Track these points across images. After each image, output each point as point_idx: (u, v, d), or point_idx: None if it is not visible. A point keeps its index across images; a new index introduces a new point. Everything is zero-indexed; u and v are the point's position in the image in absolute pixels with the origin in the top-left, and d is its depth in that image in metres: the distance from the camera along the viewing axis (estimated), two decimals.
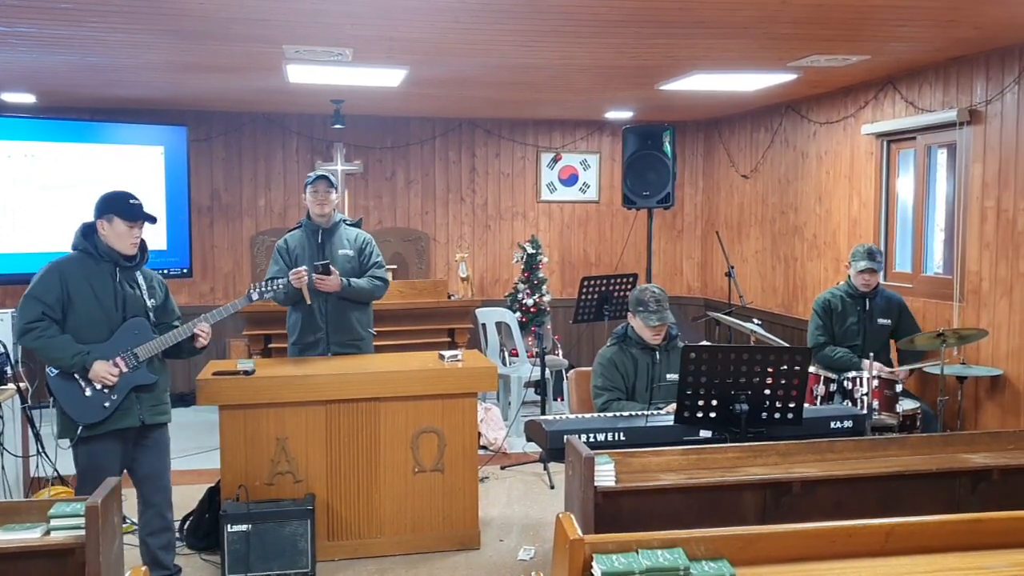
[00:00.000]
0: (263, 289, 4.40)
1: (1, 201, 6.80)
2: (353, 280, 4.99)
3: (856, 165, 6.56)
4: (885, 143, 6.24)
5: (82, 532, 2.83)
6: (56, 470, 4.82)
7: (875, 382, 4.80)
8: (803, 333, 5.74)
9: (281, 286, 4.56)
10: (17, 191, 6.87)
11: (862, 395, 4.84)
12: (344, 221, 5.18)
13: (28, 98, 7.24)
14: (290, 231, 5.22)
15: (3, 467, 4.65)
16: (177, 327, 4.07)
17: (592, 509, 3.38)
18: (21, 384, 4.79)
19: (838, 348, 5.29)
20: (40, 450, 4.85)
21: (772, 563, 2.64)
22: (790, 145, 7.50)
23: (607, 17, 4.25)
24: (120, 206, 3.89)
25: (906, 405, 4.89)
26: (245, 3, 4.04)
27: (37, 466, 5.05)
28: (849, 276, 5.40)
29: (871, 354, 4.74)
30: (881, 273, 5.49)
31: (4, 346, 4.78)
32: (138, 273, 4.03)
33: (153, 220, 4.01)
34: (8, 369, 4.78)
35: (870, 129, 6.22)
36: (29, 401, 4.87)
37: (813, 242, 7.16)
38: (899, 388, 4.86)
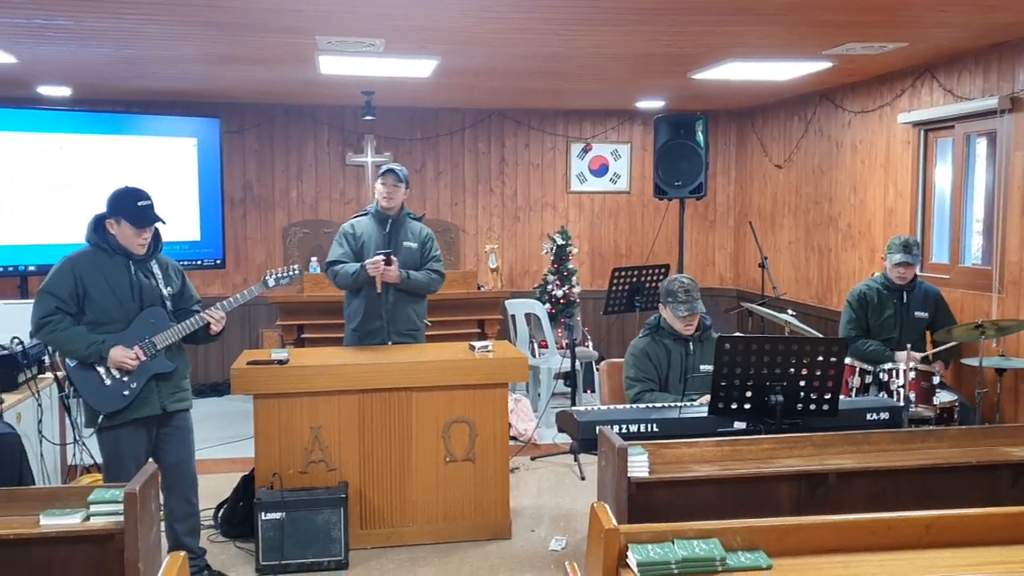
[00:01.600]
0: (279, 275, 4.44)
1: (37, 193, 6.89)
2: (412, 272, 5.10)
3: (892, 154, 6.47)
4: (922, 132, 6.14)
5: (121, 518, 2.87)
6: (92, 457, 4.89)
7: (912, 374, 4.74)
8: (837, 325, 5.67)
9: (295, 273, 4.57)
10: (52, 183, 6.95)
11: (898, 387, 4.79)
12: (409, 215, 5.27)
13: (64, 91, 7.32)
14: (356, 216, 5.31)
15: (42, 454, 4.72)
16: (197, 311, 4.13)
17: (626, 500, 3.36)
18: (58, 373, 4.85)
19: (870, 340, 5.23)
20: (77, 438, 4.93)
21: (809, 554, 2.62)
22: (824, 134, 7.41)
23: (640, 4, 4.22)
24: (129, 210, 3.90)
25: (943, 397, 4.82)
26: None
27: (74, 454, 5.13)
28: (885, 268, 5.33)
29: (908, 345, 4.68)
30: (918, 265, 5.40)
31: None
32: (152, 262, 4.06)
33: (163, 221, 4.01)
34: (46, 359, 4.85)
35: (907, 118, 6.13)
36: (66, 390, 4.93)
37: (847, 232, 7.08)
38: (936, 380, 4.80)
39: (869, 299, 5.33)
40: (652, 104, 8.37)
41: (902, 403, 4.48)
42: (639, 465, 3.39)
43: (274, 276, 4.43)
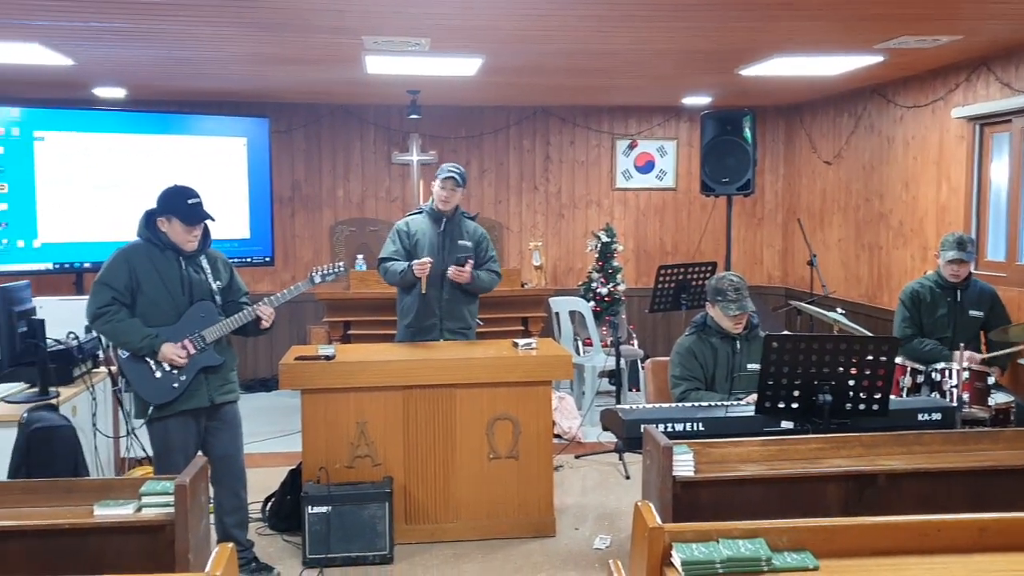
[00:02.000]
0: (325, 272, 4.49)
1: (92, 191, 7.04)
2: (479, 273, 5.19)
3: (945, 150, 6.33)
4: (977, 127, 6.01)
5: (172, 510, 2.92)
6: (144, 450, 4.98)
7: (965, 374, 4.64)
8: (888, 324, 5.57)
9: (340, 270, 4.63)
10: (106, 182, 7.11)
11: (951, 387, 4.69)
12: (463, 214, 5.34)
13: (119, 92, 7.49)
14: (410, 214, 5.38)
15: (96, 447, 4.82)
16: (245, 303, 4.21)
17: (670, 499, 3.34)
18: (112, 367, 4.95)
19: (927, 340, 5.12)
20: (130, 431, 5.03)
21: (857, 556, 2.58)
22: (875, 130, 7.28)
23: (687, 1, 4.18)
24: (180, 208, 3.99)
25: (999, 399, 4.71)
26: None
27: (127, 447, 5.23)
28: (938, 266, 5.22)
29: (961, 344, 4.58)
30: (972, 263, 5.28)
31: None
32: (202, 257, 4.14)
33: (212, 219, 4.09)
34: (100, 353, 4.96)
35: (961, 112, 6.00)
36: (119, 384, 5.03)
37: (899, 230, 6.95)
38: (991, 381, 4.69)
39: (922, 297, 5.22)
40: (699, 100, 8.30)
41: (955, 403, 4.37)
42: (684, 464, 3.36)
43: (320, 272, 4.49)
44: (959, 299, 5.18)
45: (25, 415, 3.79)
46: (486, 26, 4.78)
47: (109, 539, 2.97)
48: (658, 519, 2.58)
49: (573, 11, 4.45)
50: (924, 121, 6.58)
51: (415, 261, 5.04)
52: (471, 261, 5.11)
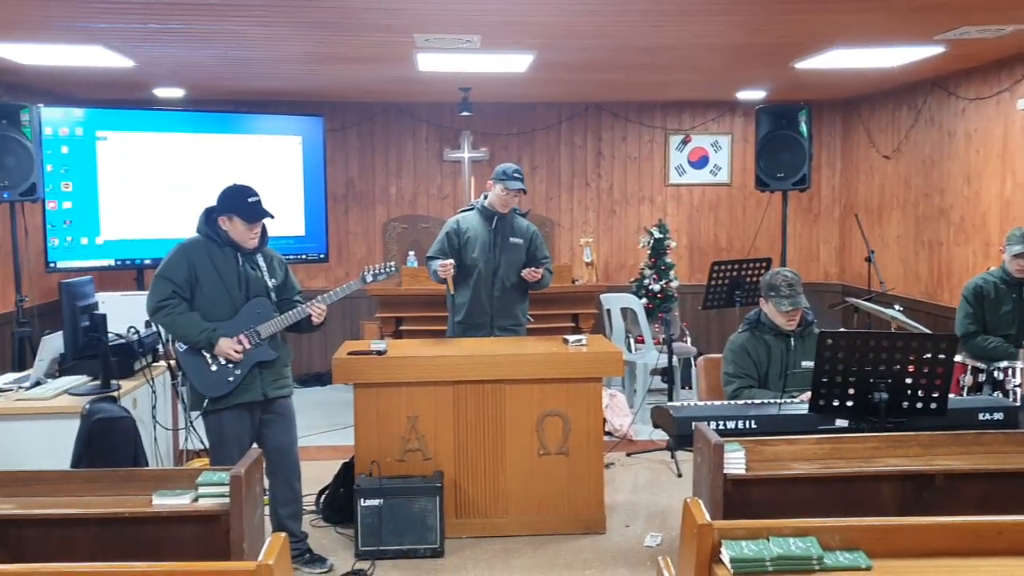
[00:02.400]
0: (376, 271, 4.53)
1: (151, 189, 7.21)
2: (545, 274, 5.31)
3: (1010, 143, 6.16)
4: None
5: (227, 500, 2.99)
6: (202, 442, 5.09)
7: None
8: (949, 321, 5.44)
9: (391, 269, 4.67)
10: (165, 180, 7.27)
11: (1015, 386, 4.56)
12: (515, 211, 5.38)
13: (178, 92, 7.65)
14: (462, 211, 5.42)
15: (156, 439, 4.94)
16: (299, 301, 4.28)
17: (721, 496, 3.32)
18: (171, 361, 5.07)
19: (991, 337, 4.98)
20: (188, 423, 5.14)
21: (912, 557, 2.53)
22: (936, 123, 7.11)
23: None
24: (240, 206, 4.07)
25: None
26: None
27: (186, 438, 5.34)
28: (1004, 261, 5.08)
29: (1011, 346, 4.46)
30: None
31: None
32: (259, 255, 4.22)
33: (271, 216, 4.17)
34: (160, 347, 5.07)
35: None
36: (179, 378, 5.15)
37: (960, 226, 6.78)
38: None
39: (986, 293, 5.08)
40: (753, 95, 8.19)
41: (1018, 403, 4.26)
42: (735, 462, 3.34)
43: (372, 272, 4.54)
44: None
45: (87, 406, 3.90)
46: (535, 22, 4.77)
47: (167, 528, 3.06)
48: (707, 516, 2.56)
49: (623, 6, 4.42)
50: (987, 113, 6.41)
51: (439, 261, 5.12)
52: (543, 269, 5.25)
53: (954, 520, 2.58)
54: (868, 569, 2.45)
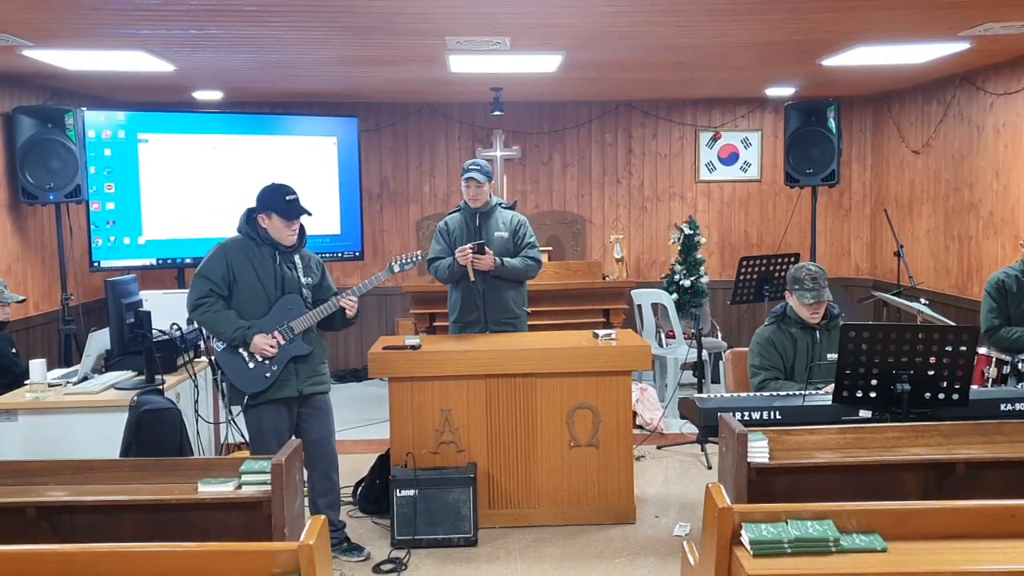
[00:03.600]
0: (403, 261, 4.65)
1: (191, 190, 7.40)
2: (506, 260, 5.20)
3: None
4: None
5: (268, 487, 3.13)
6: (243, 435, 5.25)
7: None
8: (978, 315, 5.45)
9: (417, 258, 4.75)
10: (205, 181, 7.46)
11: None
12: (500, 204, 5.41)
13: (216, 95, 7.84)
14: (450, 213, 5.49)
15: (198, 432, 5.11)
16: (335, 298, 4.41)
17: (745, 485, 3.39)
18: (212, 357, 5.24)
19: (1015, 328, 5.01)
20: (229, 417, 5.30)
21: (927, 539, 2.61)
22: (964, 118, 7.11)
23: None
24: (279, 204, 4.21)
25: None
26: (407, 0, 4.27)
27: (227, 433, 5.51)
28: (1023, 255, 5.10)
29: None
30: None
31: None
32: (296, 255, 4.36)
33: (309, 213, 4.30)
34: (201, 344, 5.24)
35: None
36: (219, 373, 5.31)
37: (989, 220, 6.78)
38: None
39: (1008, 287, 5.10)
40: (783, 91, 8.21)
41: None
42: (759, 451, 3.41)
43: (399, 262, 4.66)
44: None
45: (135, 398, 4.07)
46: (563, 24, 4.87)
47: (211, 514, 3.19)
48: (728, 500, 2.66)
49: (648, 7, 4.50)
50: (1016, 108, 6.40)
51: (457, 250, 5.11)
52: (488, 249, 5.11)
53: (968, 504, 2.66)
54: (884, 551, 2.54)
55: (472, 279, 5.15)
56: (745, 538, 2.56)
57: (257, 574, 2.35)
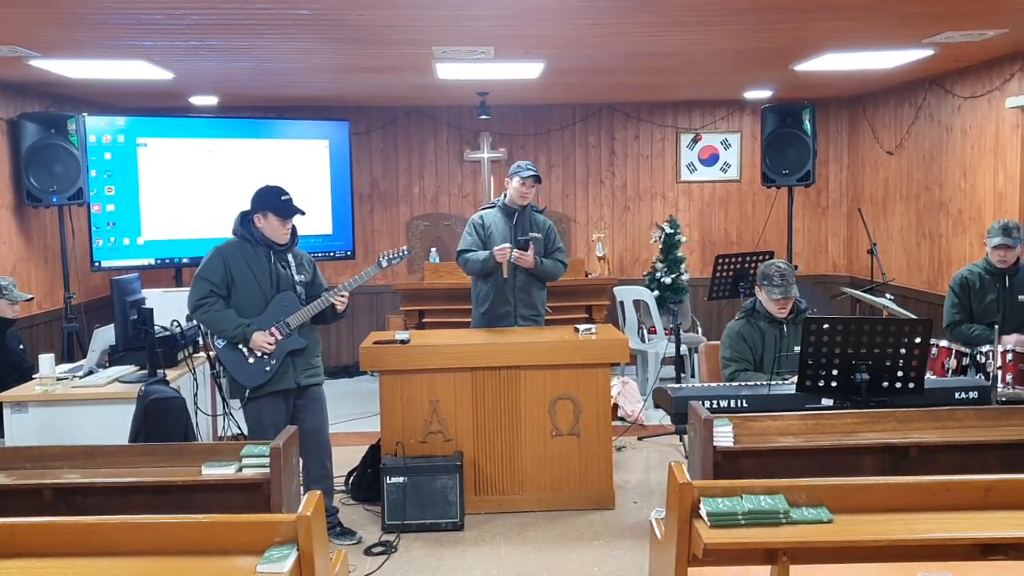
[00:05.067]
0: (391, 256, 4.86)
1: (188, 192, 7.61)
2: (544, 260, 5.48)
3: (1001, 139, 6.43)
4: None
5: (267, 470, 3.36)
6: (239, 428, 5.48)
7: (1009, 356, 4.80)
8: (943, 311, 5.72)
9: (403, 253, 4.95)
10: (201, 183, 7.67)
11: (996, 368, 4.84)
12: (533, 207, 5.66)
13: (212, 100, 8.05)
14: (483, 209, 5.74)
15: (197, 424, 5.34)
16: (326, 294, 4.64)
17: (711, 467, 3.62)
18: (211, 353, 5.46)
19: (975, 325, 5.28)
20: (227, 411, 5.52)
21: (871, 512, 2.85)
22: (934, 120, 7.39)
23: (730, 5, 4.43)
24: (274, 204, 4.45)
25: None
26: (396, 13, 4.49)
27: (224, 426, 5.73)
28: (987, 253, 5.36)
29: (996, 326, 4.74)
30: (1019, 248, 5.39)
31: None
32: (289, 254, 4.60)
33: (303, 213, 4.54)
34: (200, 340, 5.46)
35: (1015, 102, 6.09)
36: (217, 368, 5.54)
37: (958, 218, 7.06)
38: None
39: (971, 283, 5.36)
40: (761, 94, 8.47)
41: (990, 382, 4.53)
42: (724, 435, 3.64)
43: (387, 257, 4.88)
44: (1008, 285, 5.31)
45: (143, 388, 4.30)
46: (543, 35, 5.09)
47: (214, 495, 3.41)
48: (688, 477, 2.91)
49: (625, 19, 4.72)
50: (981, 111, 6.68)
51: (495, 247, 5.35)
52: (533, 246, 5.37)
53: (908, 480, 2.92)
54: (830, 522, 2.79)
55: (505, 276, 5.40)
56: (703, 511, 2.80)
57: (259, 543, 2.59)
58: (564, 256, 5.66)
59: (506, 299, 5.50)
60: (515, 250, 5.34)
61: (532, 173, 5.47)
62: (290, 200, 4.49)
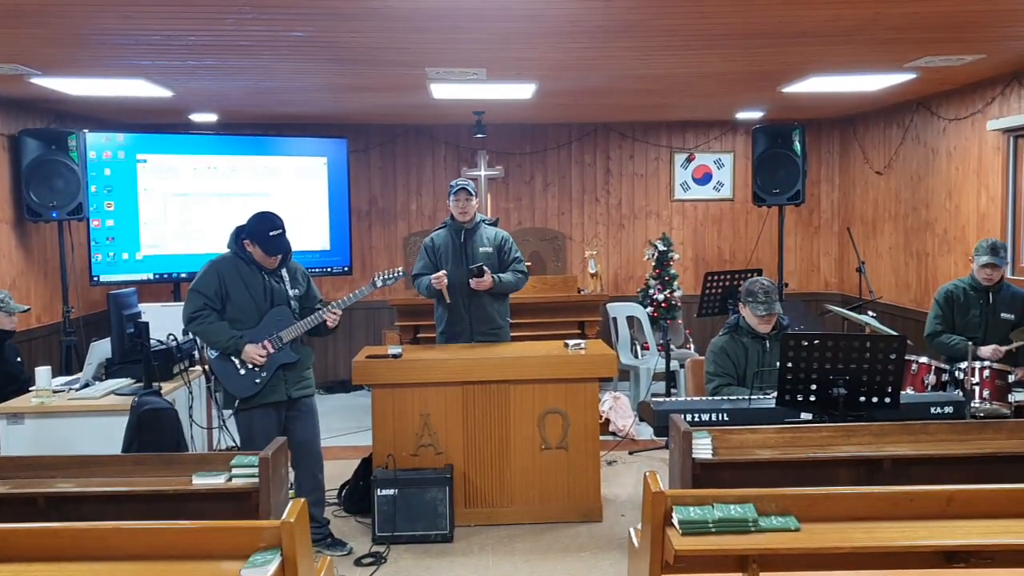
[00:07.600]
0: (386, 277, 4.97)
1: (186, 208, 7.73)
2: (501, 276, 5.52)
3: (984, 161, 6.55)
4: (1011, 138, 6.21)
5: (256, 480, 3.46)
6: (234, 440, 5.57)
7: (987, 372, 4.90)
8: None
9: (398, 274, 5.07)
10: (199, 199, 7.78)
11: (973, 385, 4.93)
12: (484, 221, 5.71)
13: (211, 117, 8.18)
14: (435, 230, 5.80)
15: (192, 436, 5.43)
16: (319, 309, 4.75)
17: (690, 479, 3.73)
18: (206, 366, 5.56)
19: (954, 336, 5.37)
20: (221, 423, 5.61)
21: (837, 521, 2.94)
22: (921, 141, 7.51)
23: (711, 32, 4.56)
24: (262, 238, 4.55)
25: (1019, 396, 4.95)
26: (390, 36, 4.62)
27: (219, 438, 5.83)
28: (972, 270, 5.46)
29: (970, 342, 4.83)
30: (1007, 268, 5.51)
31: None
32: (283, 269, 4.71)
33: (290, 251, 4.65)
34: (196, 353, 5.57)
35: (996, 125, 6.22)
36: (212, 381, 5.63)
37: (944, 237, 7.17)
38: (1012, 379, 4.93)
39: (956, 298, 5.46)
40: (752, 115, 8.60)
41: (964, 397, 4.62)
42: (703, 447, 3.75)
43: (381, 277, 5.00)
44: (991, 302, 5.41)
45: (136, 399, 4.40)
46: (533, 57, 5.21)
47: (205, 503, 3.50)
48: (662, 485, 3.00)
49: (610, 43, 4.84)
50: (965, 133, 6.80)
51: (432, 276, 5.43)
52: (486, 269, 5.39)
53: (873, 490, 3.01)
54: (797, 530, 2.88)
55: (448, 301, 5.47)
56: (675, 519, 2.90)
57: (245, 548, 2.68)
58: (522, 266, 5.65)
59: (460, 317, 5.55)
60: (472, 279, 5.38)
61: (461, 186, 5.51)
62: (280, 235, 4.56)
